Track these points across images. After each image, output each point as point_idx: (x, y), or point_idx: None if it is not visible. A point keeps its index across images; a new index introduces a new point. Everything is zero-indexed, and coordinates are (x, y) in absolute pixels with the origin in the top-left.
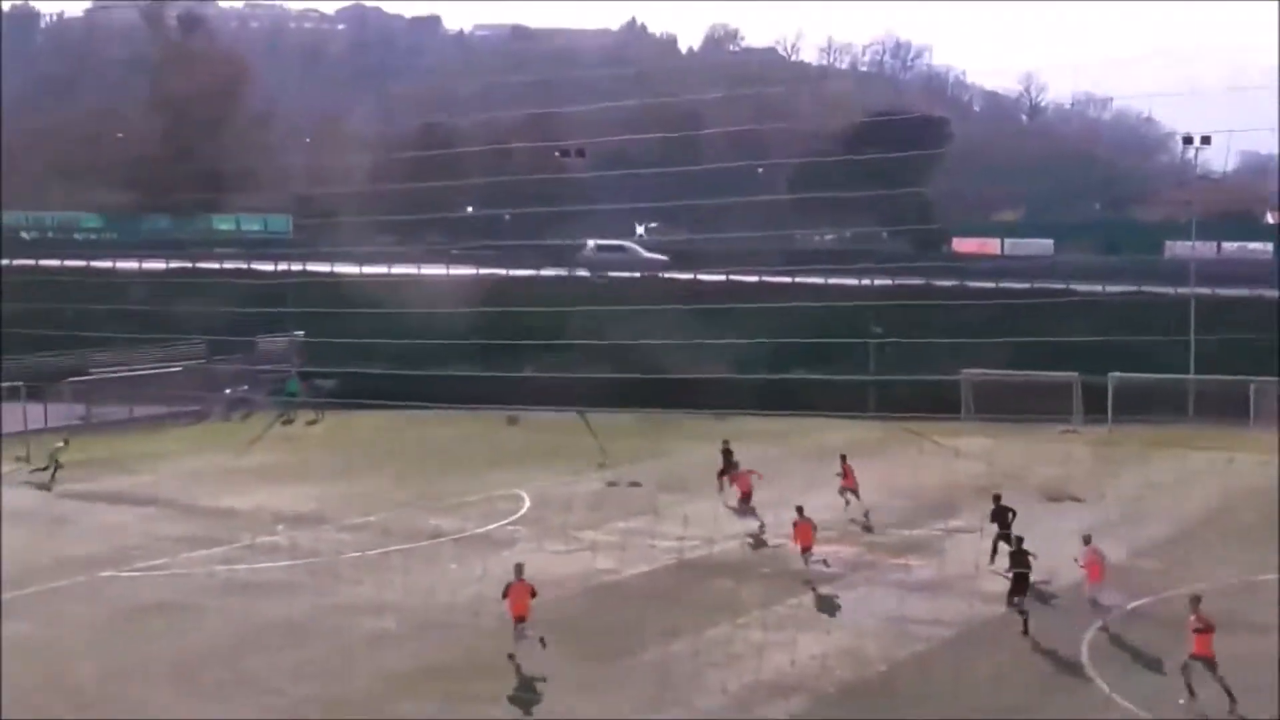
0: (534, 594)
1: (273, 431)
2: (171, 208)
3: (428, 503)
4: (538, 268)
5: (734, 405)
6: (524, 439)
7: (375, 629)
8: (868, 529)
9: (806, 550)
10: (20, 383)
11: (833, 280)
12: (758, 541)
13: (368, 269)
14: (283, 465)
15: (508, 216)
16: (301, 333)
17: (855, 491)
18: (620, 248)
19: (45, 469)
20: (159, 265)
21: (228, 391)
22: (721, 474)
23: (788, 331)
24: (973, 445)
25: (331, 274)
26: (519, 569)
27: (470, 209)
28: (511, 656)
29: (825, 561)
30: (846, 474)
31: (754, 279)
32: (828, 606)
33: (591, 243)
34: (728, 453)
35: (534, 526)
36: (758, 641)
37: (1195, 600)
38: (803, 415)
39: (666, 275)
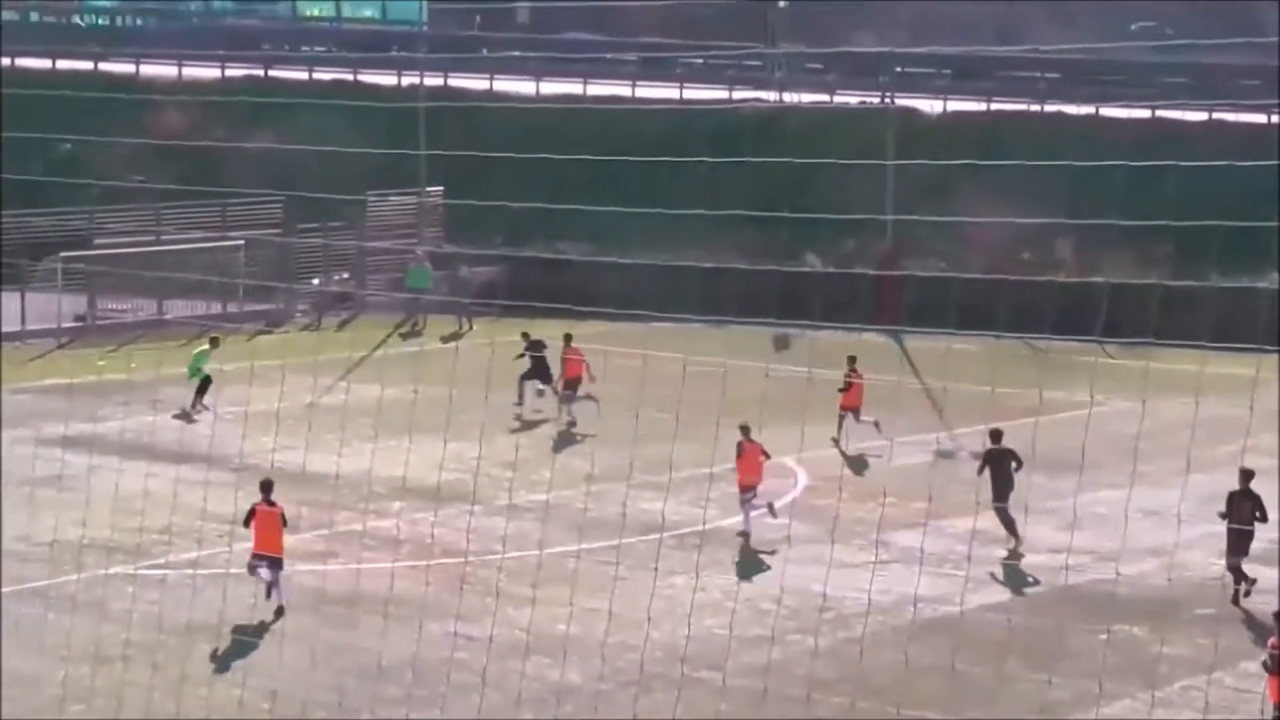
0: None
1: (388, 349)
2: None
3: (636, 476)
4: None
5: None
6: (799, 375)
7: (551, 685)
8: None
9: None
10: None
11: None
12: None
13: (554, 85)
14: (403, 405)
15: None
16: (440, 189)
17: (856, 411)
18: None
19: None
20: (210, 72)
21: (317, 282)
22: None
23: None
24: None
25: (490, 92)
26: None
27: None
28: None
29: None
30: (850, 385)
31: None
32: None
33: None
34: None
35: (810, 520)
36: None
37: None
38: None
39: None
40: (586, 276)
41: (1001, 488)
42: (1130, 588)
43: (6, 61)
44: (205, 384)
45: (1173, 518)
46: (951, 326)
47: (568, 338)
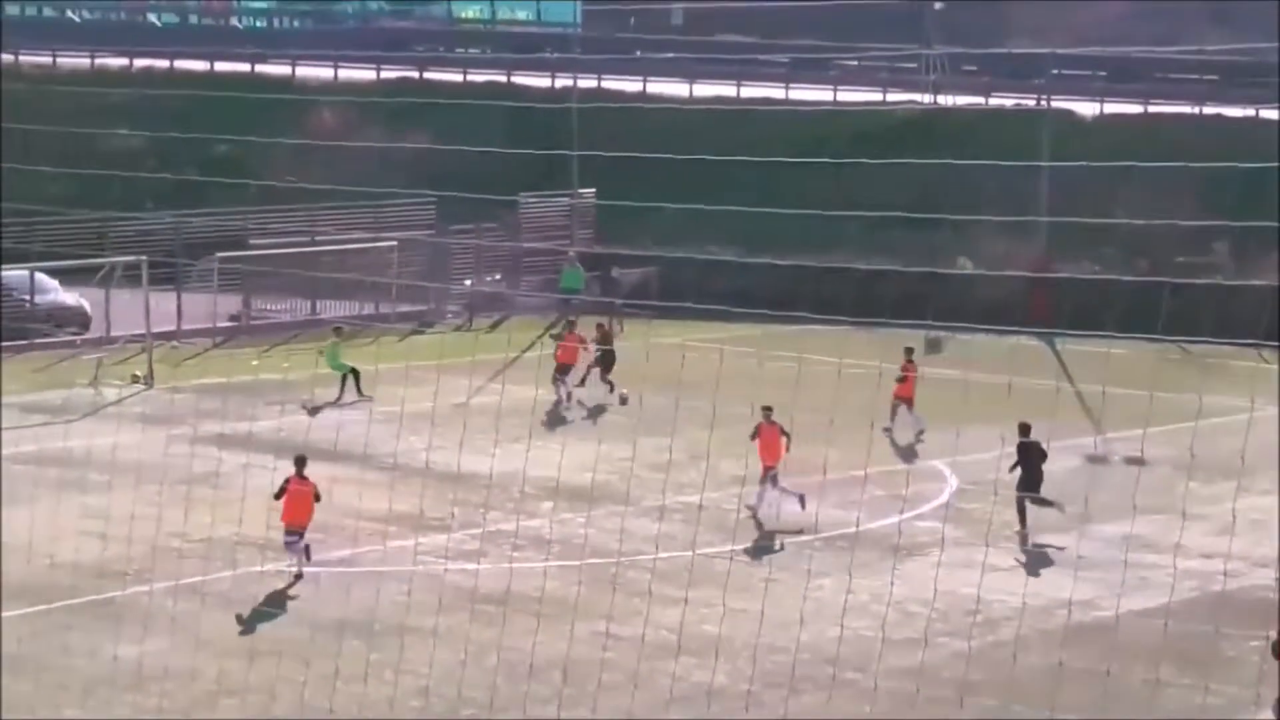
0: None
1: (540, 349)
2: None
3: (787, 477)
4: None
5: None
6: (953, 379)
7: (698, 685)
8: None
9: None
10: (142, 257)
11: None
12: None
13: (707, 87)
14: (552, 405)
15: None
16: (592, 191)
17: (910, 402)
18: None
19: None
20: (365, 74)
21: (469, 282)
22: None
23: None
24: None
25: (643, 94)
26: None
27: None
28: None
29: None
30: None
31: None
32: None
33: None
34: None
35: (962, 524)
36: None
37: None
38: None
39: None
40: (738, 278)
41: (1031, 479)
42: None
43: (165, 64)
44: (355, 375)
45: None
46: (1105, 329)
47: (570, 323)
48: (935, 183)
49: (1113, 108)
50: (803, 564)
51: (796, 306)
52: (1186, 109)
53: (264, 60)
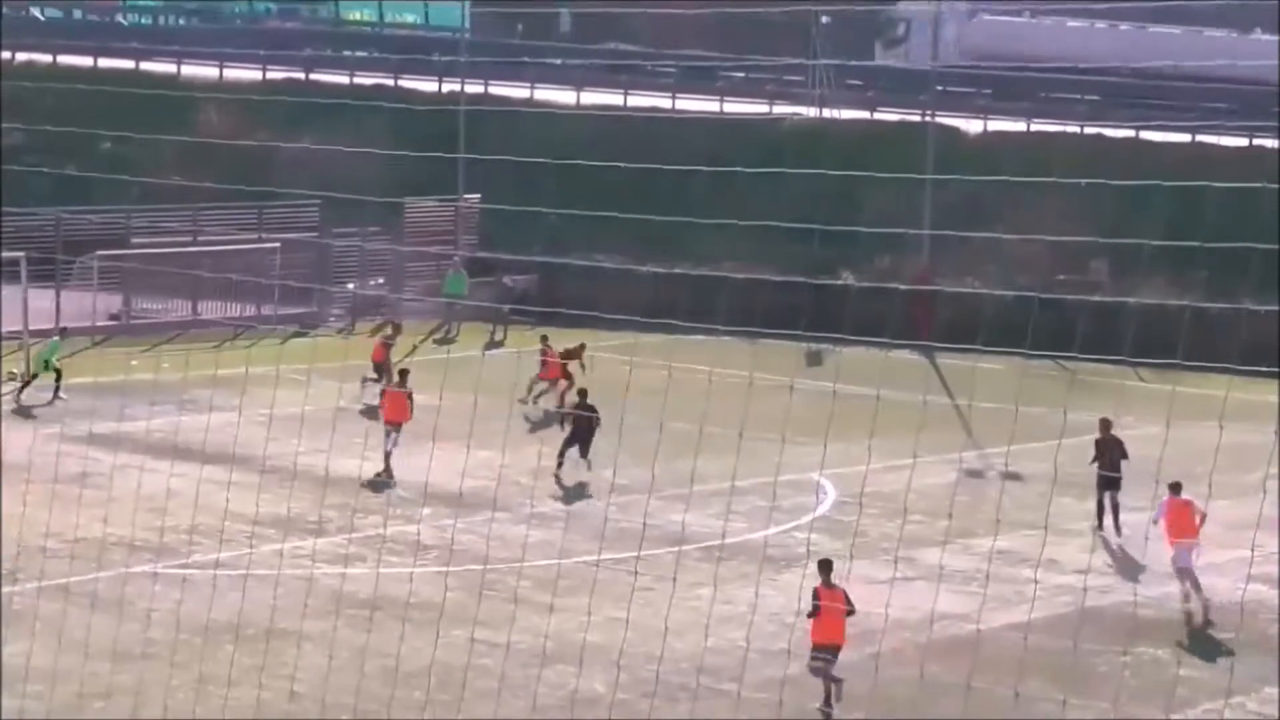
0: None
1: (422, 354)
2: None
3: (666, 488)
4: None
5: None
6: (832, 391)
7: (572, 693)
8: None
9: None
10: (20, 253)
11: None
12: None
13: (594, 95)
14: (431, 412)
15: None
16: (477, 196)
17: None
18: None
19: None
20: (251, 74)
21: (352, 286)
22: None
23: None
24: None
25: (531, 100)
26: None
27: None
28: None
29: None
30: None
31: None
32: None
33: None
34: None
35: (839, 536)
36: None
37: None
38: None
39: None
40: (620, 286)
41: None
42: (1154, 610)
43: (48, 58)
44: (58, 375)
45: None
46: (982, 344)
47: (544, 338)
48: (820, 196)
49: (997, 125)
50: (680, 574)
51: (674, 316)
52: (1069, 127)
53: (149, 58)
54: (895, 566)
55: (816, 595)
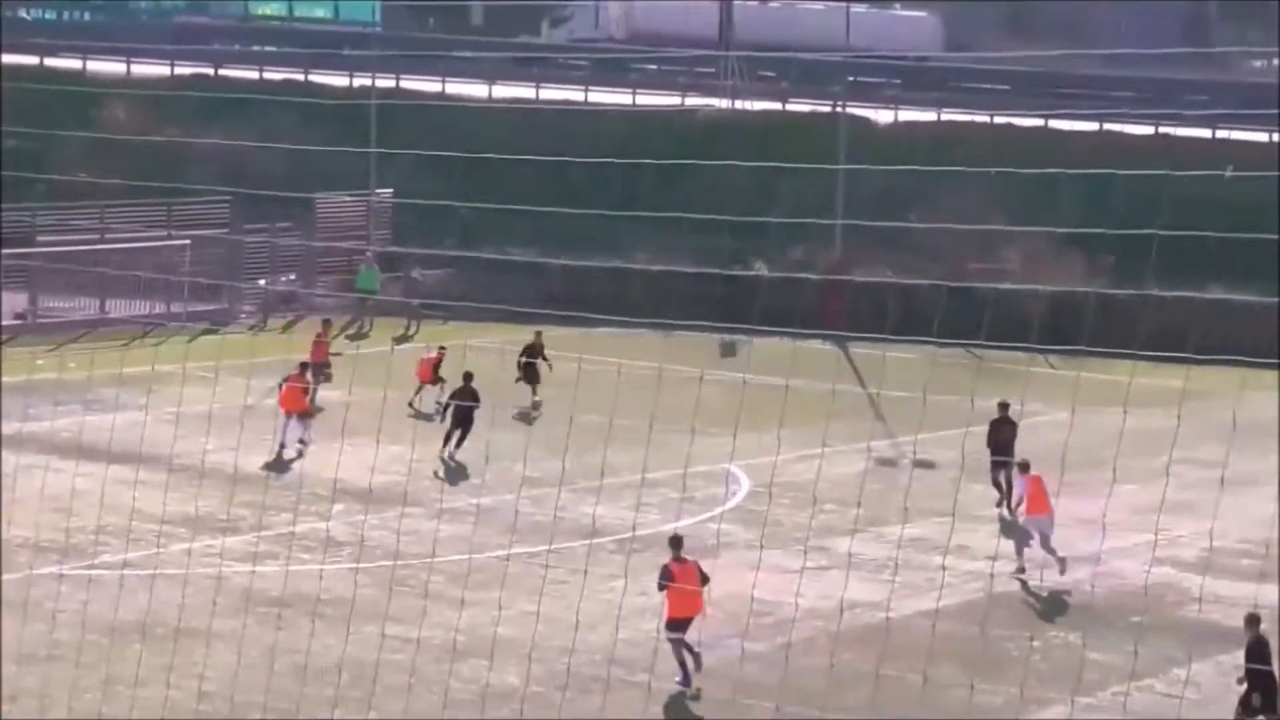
0: None
1: (335, 349)
2: None
3: (579, 480)
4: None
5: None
6: (745, 382)
7: (485, 687)
8: None
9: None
10: None
11: None
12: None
13: (507, 89)
14: (342, 407)
15: None
16: (389, 191)
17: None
18: None
19: None
20: (159, 69)
21: (263, 282)
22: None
23: None
24: None
25: (443, 94)
26: None
27: None
28: None
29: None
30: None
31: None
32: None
33: None
34: None
35: (752, 526)
36: None
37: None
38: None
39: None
40: (533, 280)
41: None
42: (1063, 594)
43: None
44: None
45: (1104, 526)
46: (892, 333)
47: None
48: (732, 187)
49: (906, 115)
50: (593, 566)
51: (587, 308)
52: (979, 117)
53: (53, 53)
54: (807, 556)
55: (668, 572)
